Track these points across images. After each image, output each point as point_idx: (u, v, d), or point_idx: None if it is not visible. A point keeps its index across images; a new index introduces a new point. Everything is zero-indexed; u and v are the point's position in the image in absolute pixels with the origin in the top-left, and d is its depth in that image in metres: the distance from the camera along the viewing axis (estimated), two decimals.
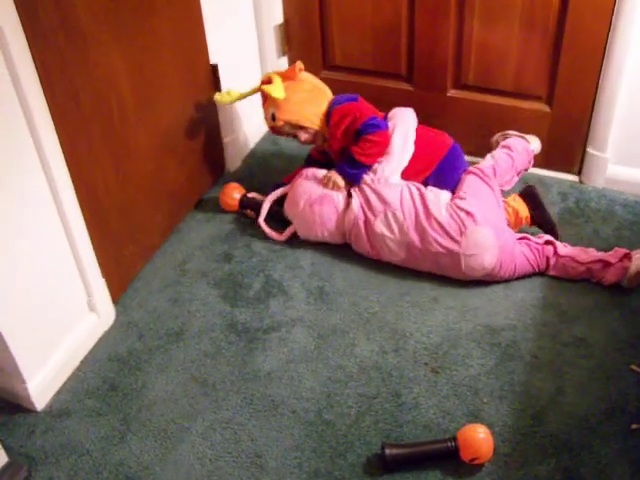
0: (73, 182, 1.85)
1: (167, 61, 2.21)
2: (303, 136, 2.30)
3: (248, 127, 2.76)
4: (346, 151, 2.23)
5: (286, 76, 2.26)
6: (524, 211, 2.21)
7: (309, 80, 2.32)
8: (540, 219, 2.22)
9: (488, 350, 1.95)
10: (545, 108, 2.46)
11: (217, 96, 2.35)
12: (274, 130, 2.35)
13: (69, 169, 1.82)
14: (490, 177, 2.19)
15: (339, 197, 2.23)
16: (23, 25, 1.59)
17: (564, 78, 2.36)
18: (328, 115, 2.26)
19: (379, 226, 2.14)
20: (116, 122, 2.01)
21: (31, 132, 1.68)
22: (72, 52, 1.79)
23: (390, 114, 2.32)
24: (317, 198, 2.24)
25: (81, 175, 1.88)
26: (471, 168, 2.24)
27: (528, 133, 2.38)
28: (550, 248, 2.12)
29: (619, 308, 2.04)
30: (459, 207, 2.09)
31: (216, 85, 2.47)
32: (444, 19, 2.41)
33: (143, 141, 2.16)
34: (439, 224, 2.08)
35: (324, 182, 2.25)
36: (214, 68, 2.44)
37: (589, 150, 2.45)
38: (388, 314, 2.06)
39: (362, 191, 2.20)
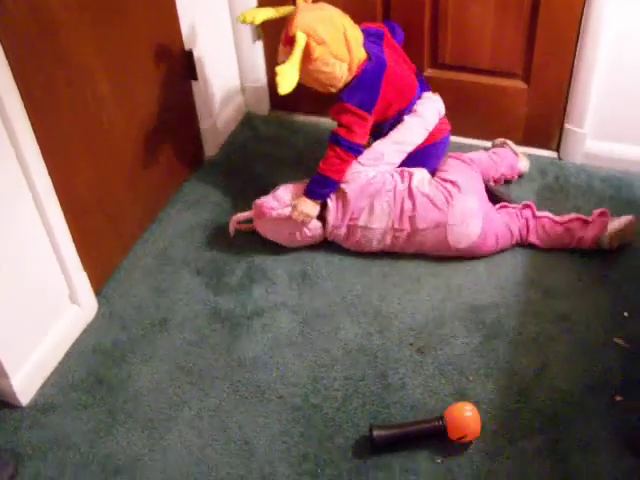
0: (50, 175, 1.83)
1: (141, 49, 2.18)
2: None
3: (225, 113, 2.74)
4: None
5: (308, 53, 1.98)
6: None
7: (338, 39, 2.02)
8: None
9: (473, 329, 1.96)
10: (522, 85, 2.46)
11: (240, 18, 2.14)
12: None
13: (46, 162, 1.80)
14: (470, 163, 2.22)
15: (313, 223, 2.17)
16: None
17: (540, 55, 2.36)
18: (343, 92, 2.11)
19: (363, 221, 2.12)
20: (92, 113, 1.99)
21: (5, 126, 1.66)
22: (44, 42, 1.76)
23: (419, 102, 2.23)
24: (287, 236, 2.20)
25: (58, 168, 1.86)
26: (452, 154, 2.27)
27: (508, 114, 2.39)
28: (528, 211, 2.16)
29: (602, 283, 2.06)
30: (443, 179, 2.12)
31: (191, 72, 2.45)
32: (419, 0, 2.40)
33: (120, 131, 2.13)
34: (425, 196, 2.08)
35: (294, 216, 2.13)
36: (189, 54, 2.42)
37: (567, 126, 2.45)
38: (372, 296, 2.06)
39: (340, 193, 2.15)
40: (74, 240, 1.97)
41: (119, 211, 2.20)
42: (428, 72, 2.55)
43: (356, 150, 2.12)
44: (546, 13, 2.27)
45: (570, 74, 2.36)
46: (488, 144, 2.53)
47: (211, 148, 2.66)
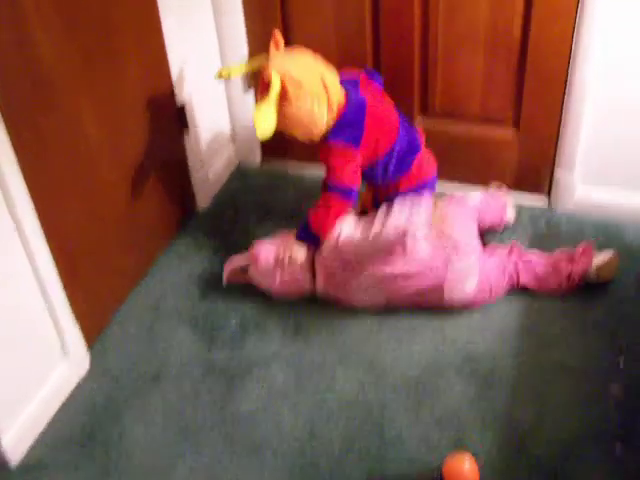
0: (42, 226, 1.82)
1: (133, 99, 2.20)
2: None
3: (217, 163, 2.76)
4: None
5: (283, 95, 1.98)
6: None
7: (313, 79, 2.01)
8: None
9: (468, 379, 1.94)
10: (512, 132, 2.48)
11: (217, 75, 2.17)
12: None
13: (37, 213, 1.80)
14: (468, 206, 2.24)
15: (303, 274, 2.17)
16: None
17: (529, 103, 2.39)
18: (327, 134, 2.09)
19: (355, 286, 2.11)
20: (84, 164, 1.99)
21: None
22: (38, 95, 1.77)
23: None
24: (278, 286, 2.19)
25: (50, 218, 1.85)
26: (450, 197, 2.27)
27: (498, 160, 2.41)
28: (516, 252, 2.17)
29: (597, 331, 2.05)
30: (441, 233, 2.08)
31: (183, 122, 2.47)
32: (409, 48, 2.43)
33: (112, 182, 2.14)
34: (421, 262, 2.05)
35: (280, 253, 2.14)
36: (180, 105, 2.43)
37: (557, 173, 2.47)
38: (366, 347, 2.05)
39: (325, 263, 2.14)
40: (66, 293, 1.95)
41: (111, 263, 2.19)
42: (418, 120, 2.58)
43: (346, 193, 2.09)
44: (534, 62, 2.30)
45: (559, 121, 2.38)
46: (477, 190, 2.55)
47: (203, 199, 2.66)
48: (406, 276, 2.05)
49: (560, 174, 2.46)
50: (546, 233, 2.41)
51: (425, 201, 2.17)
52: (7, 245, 1.73)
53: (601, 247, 2.29)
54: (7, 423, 1.80)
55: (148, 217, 2.36)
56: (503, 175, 2.56)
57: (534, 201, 2.56)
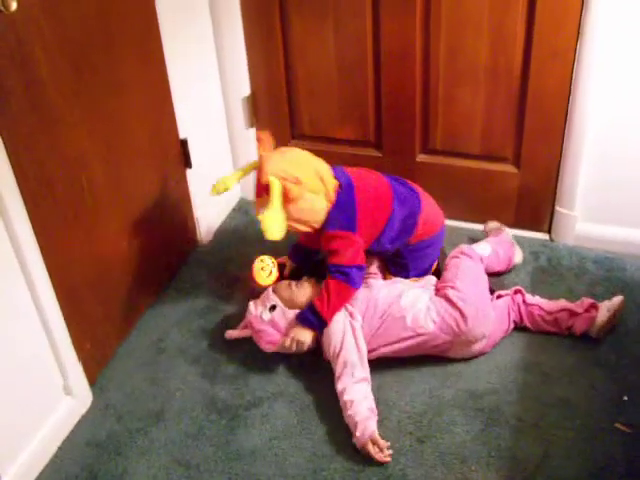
0: (46, 264, 1.82)
1: (137, 138, 2.21)
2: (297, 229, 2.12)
3: (219, 200, 2.75)
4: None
5: (287, 196, 1.97)
6: None
7: (310, 174, 2.03)
8: None
9: (472, 416, 1.94)
10: (512, 169, 2.50)
11: (214, 190, 2.13)
12: None
13: (41, 251, 1.80)
14: (478, 261, 2.23)
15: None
16: None
17: (529, 140, 2.41)
18: (325, 223, 2.10)
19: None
20: (88, 202, 2.00)
21: (2, 216, 1.66)
22: (42, 134, 1.78)
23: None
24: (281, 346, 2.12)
25: (54, 256, 1.86)
26: (458, 252, 2.23)
27: (499, 197, 2.42)
28: (519, 297, 2.16)
29: (600, 366, 2.05)
30: (451, 302, 2.04)
31: (186, 159, 2.48)
32: (410, 86, 2.46)
33: (115, 220, 2.15)
34: (428, 336, 2.04)
35: (287, 344, 2.07)
36: (183, 143, 2.45)
37: (558, 209, 2.49)
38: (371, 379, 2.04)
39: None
40: (69, 330, 1.94)
41: (113, 299, 2.19)
42: (420, 157, 2.60)
43: (346, 274, 2.05)
44: (534, 101, 2.33)
45: (559, 158, 2.41)
46: (479, 227, 2.56)
47: (204, 234, 2.67)
48: (412, 347, 2.06)
49: (560, 210, 2.48)
50: (547, 268, 2.42)
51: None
52: (11, 282, 1.73)
53: (603, 281, 2.31)
54: (8, 461, 1.78)
55: (150, 253, 2.36)
56: (504, 211, 2.58)
57: (535, 236, 2.58)
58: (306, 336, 2.06)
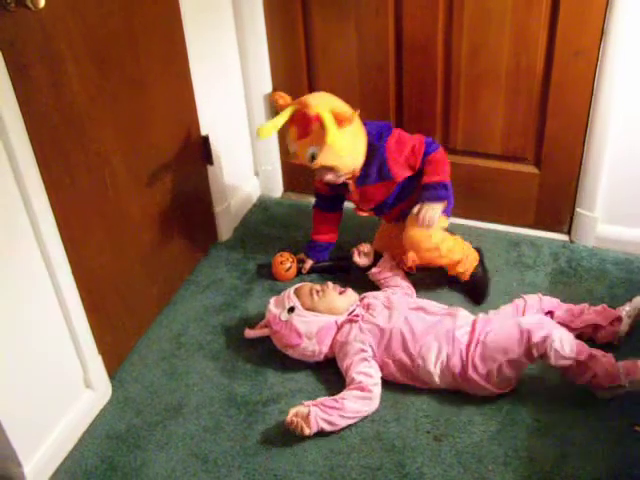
0: (68, 258, 1.84)
1: (159, 134, 2.23)
2: (329, 177, 2.13)
3: (239, 196, 2.78)
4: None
5: (340, 119, 1.99)
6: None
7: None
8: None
9: (490, 415, 1.94)
10: (534, 170, 2.50)
11: (261, 134, 2.06)
12: (296, 162, 2.12)
13: (64, 245, 1.82)
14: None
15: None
16: (20, 106, 1.61)
17: (551, 141, 2.40)
18: (372, 153, 2.14)
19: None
20: (110, 197, 2.02)
21: (27, 210, 1.68)
22: (67, 130, 1.80)
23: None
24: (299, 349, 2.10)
25: (76, 251, 1.88)
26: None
27: (519, 198, 2.42)
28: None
29: None
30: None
31: (207, 155, 2.50)
32: (431, 84, 2.46)
33: (137, 214, 2.17)
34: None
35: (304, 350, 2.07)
36: (205, 139, 2.47)
37: (578, 210, 2.48)
38: (388, 383, 2.03)
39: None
40: (90, 324, 1.97)
41: (134, 294, 2.21)
42: None
43: (433, 142, 2.16)
44: (556, 100, 2.32)
45: (580, 159, 2.40)
46: (499, 227, 2.57)
47: (225, 231, 2.68)
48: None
49: (581, 212, 2.47)
50: (567, 269, 2.41)
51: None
52: (34, 275, 1.76)
53: (623, 283, 2.30)
54: (31, 453, 1.81)
55: (170, 249, 2.38)
56: (524, 212, 2.57)
57: (555, 237, 2.57)
58: (437, 210, 2.09)
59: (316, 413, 1.86)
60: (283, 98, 2.08)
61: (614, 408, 1.92)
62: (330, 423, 1.87)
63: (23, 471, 1.79)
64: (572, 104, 2.32)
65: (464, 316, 2.04)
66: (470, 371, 1.92)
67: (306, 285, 2.16)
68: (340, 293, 2.14)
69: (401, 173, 2.16)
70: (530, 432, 1.88)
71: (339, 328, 2.07)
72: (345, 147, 2.04)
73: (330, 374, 2.08)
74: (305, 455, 1.87)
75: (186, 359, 2.18)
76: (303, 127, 2.03)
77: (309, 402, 1.90)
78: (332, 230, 2.45)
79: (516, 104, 2.39)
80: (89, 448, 1.94)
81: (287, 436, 1.91)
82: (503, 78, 2.35)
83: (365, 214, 2.32)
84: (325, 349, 2.07)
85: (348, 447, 1.88)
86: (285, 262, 2.43)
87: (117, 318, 2.14)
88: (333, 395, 1.95)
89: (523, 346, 1.87)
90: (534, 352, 1.85)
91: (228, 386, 2.08)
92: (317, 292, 2.11)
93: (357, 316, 2.07)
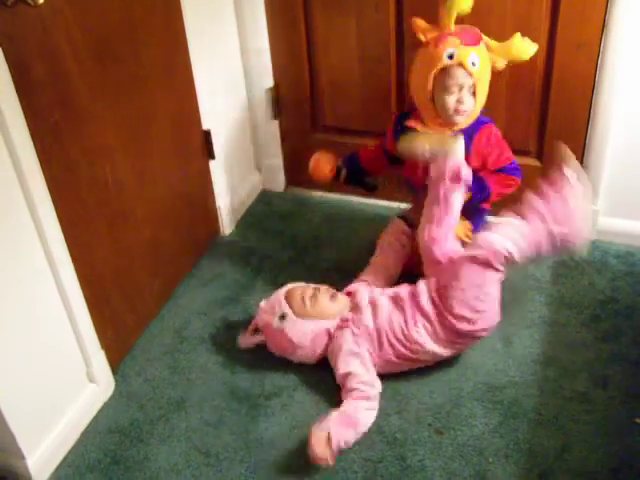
0: (70, 254, 1.85)
1: (160, 129, 2.23)
2: (458, 102, 2.05)
3: (241, 190, 2.79)
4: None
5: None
6: None
7: None
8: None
9: (491, 408, 1.94)
10: (535, 163, 2.49)
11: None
12: (436, 78, 2.03)
13: (66, 241, 1.83)
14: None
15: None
16: (21, 101, 1.61)
17: (552, 133, 2.39)
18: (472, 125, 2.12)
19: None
20: (112, 192, 2.02)
21: (28, 206, 1.68)
22: (68, 126, 1.80)
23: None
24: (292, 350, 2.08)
25: (78, 246, 1.88)
26: None
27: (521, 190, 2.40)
28: None
29: (619, 361, 2.05)
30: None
31: (209, 150, 2.50)
32: None
33: (139, 210, 2.17)
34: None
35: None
36: (206, 134, 2.47)
37: None
38: (389, 375, 2.04)
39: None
40: (92, 318, 1.98)
41: (136, 288, 2.22)
42: None
43: (518, 169, 2.18)
44: (557, 92, 2.32)
45: (582, 152, 2.39)
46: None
47: (227, 225, 2.69)
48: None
49: None
50: (569, 262, 2.41)
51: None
52: (36, 270, 1.76)
53: (624, 275, 2.30)
54: (34, 446, 1.82)
55: (172, 243, 2.39)
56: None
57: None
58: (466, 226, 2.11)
59: (337, 439, 1.79)
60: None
61: (615, 402, 1.93)
62: (346, 443, 1.83)
63: (27, 464, 1.80)
64: (574, 97, 2.31)
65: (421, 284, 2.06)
66: (452, 320, 1.94)
67: (296, 290, 2.10)
68: (331, 297, 2.09)
69: (471, 159, 2.12)
70: (531, 425, 1.89)
71: (331, 335, 2.04)
72: (487, 86, 2.07)
73: (330, 368, 2.07)
74: (306, 448, 1.87)
75: (188, 353, 2.19)
76: (472, 37, 2.03)
77: (322, 424, 1.82)
78: (378, 165, 2.39)
79: (518, 97, 2.38)
80: (92, 442, 1.95)
81: (289, 429, 1.93)
82: (505, 70, 2.32)
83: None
84: (320, 351, 2.05)
85: None
86: (327, 165, 2.34)
87: (119, 313, 2.14)
88: (336, 390, 1.97)
89: (479, 268, 1.92)
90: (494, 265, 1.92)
91: (230, 380, 2.09)
92: (309, 298, 2.07)
93: (347, 320, 2.04)
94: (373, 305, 2.05)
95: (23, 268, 1.71)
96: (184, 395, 2.05)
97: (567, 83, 2.29)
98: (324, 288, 2.12)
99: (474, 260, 1.92)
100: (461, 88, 2.03)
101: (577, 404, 1.93)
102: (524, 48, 2.04)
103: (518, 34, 2.03)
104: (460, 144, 2.02)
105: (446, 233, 2.05)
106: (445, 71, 2.01)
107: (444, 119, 2.09)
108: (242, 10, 2.56)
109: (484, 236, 1.97)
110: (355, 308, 2.07)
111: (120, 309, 2.15)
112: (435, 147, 2.02)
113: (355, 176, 2.40)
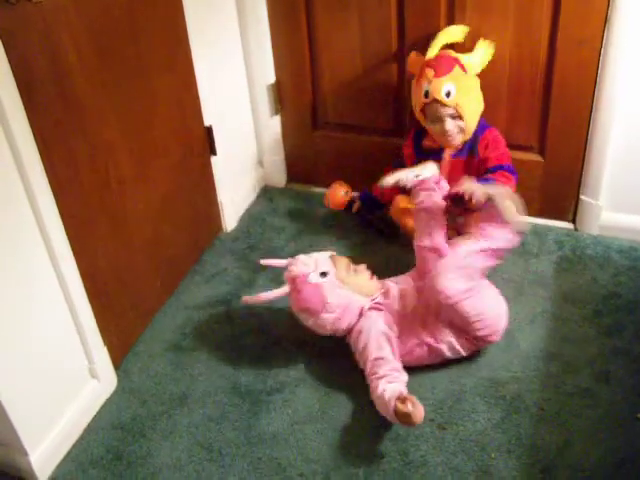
0: (72, 250, 1.85)
1: (162, 125, 2.23)
2: (449, 126, 2.23)
3: (243, 186, 2.79)
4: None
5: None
6: None
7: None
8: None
9: (493, 404, 1.94)
10: (538, 158, 2.49)
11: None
12: (426, 101, 2.22)
13: (68, 237, 1.83)
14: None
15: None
16: (22, 97, 1.61)
17: (554, 129, 2.40)
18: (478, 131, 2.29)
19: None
20: (114, 189, 2.02)
21: (30, 202, 1.68)
22: (70, 121, 1.81)
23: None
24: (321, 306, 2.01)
25: (80, 243, 1.88)
26: None
27: (524, 186, 2.42)
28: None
29: (622, 357, 2.04)
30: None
31: (211, 146, 2.50)
32: None
33: (141, 206, 2.17)
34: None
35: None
36: (208, 130, 2.47)
37: (582, 198, 2.47)
38: None
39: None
40: (95, 315, 1.98)
41: (138, 284, 2.22)
42: None
43: (514, 172, 2.28)
44: (559, 88, 2.32)
45: (584, 147, 2.39)
46: None
47: (229, 221, 2.69)
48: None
49: (585, 200, 2.47)
50: (571, 257, 2.41)
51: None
52: (38, 267, 1.76)
53: (627, 271, 2.30)
54: (37, 442, 1.82)
55: (174, 240, 2.39)
56: (529, 201, 2.53)
57: (559, 225, 2.57)
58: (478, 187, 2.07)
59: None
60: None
61: (617, 398, 1.93)
62: None
63: (29, 460, 1.80)
64: (576, 92, 2.31)
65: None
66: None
67: (342, 258, 2.08)
68: (370, 276, 2.10)
69: (478, 157, 2.29)
70: (534, 421, 1.89)
71: (363, 313, 2.02)
72: (476, 98, 2.24)
73: (334, 363, 2.09)
74: (309, 443, 1.87)
75: (190, 349, 2.19)
76: (443, 66, 2.19)
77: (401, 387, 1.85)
78: (389, 192, 2.45)
79: (520, 93, 2.38)
80: (95, 438, 1.95)
81: (291, 425, 1.93)
82: (506, 67, 2.34)
83: None
84: (342, 325, 2.01)
85: (353, 435, 1.89)
86: (342, 188, 2.61)
87: (122, 309, 2.15)
88: (338, 386, 1.99)
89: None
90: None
91: (232, 376, 2.09)
92: (353, 269, 2.06)
93: (380, 303, 2.05)
94: (402, 294, 2.07)
95: (25, 264, 1.71)
96: (186, 391, 2.06)
97: (569, 79, 2.29)
98: (363, 266, 2.11)
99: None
100: (443, 119, 2.22)
101: (579, 399, 1.93)
102: (488, 52, 2.28)
103: (481, 40, 2.26)
104: (431, 168, 2.15)
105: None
106: (427, 106, 2.24)
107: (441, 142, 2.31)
108: (243, 6, 2.56)
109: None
110: (387, 293, 2.08)
111: (123, 305, 2.15)
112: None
113: (368, 206, 2.59)
